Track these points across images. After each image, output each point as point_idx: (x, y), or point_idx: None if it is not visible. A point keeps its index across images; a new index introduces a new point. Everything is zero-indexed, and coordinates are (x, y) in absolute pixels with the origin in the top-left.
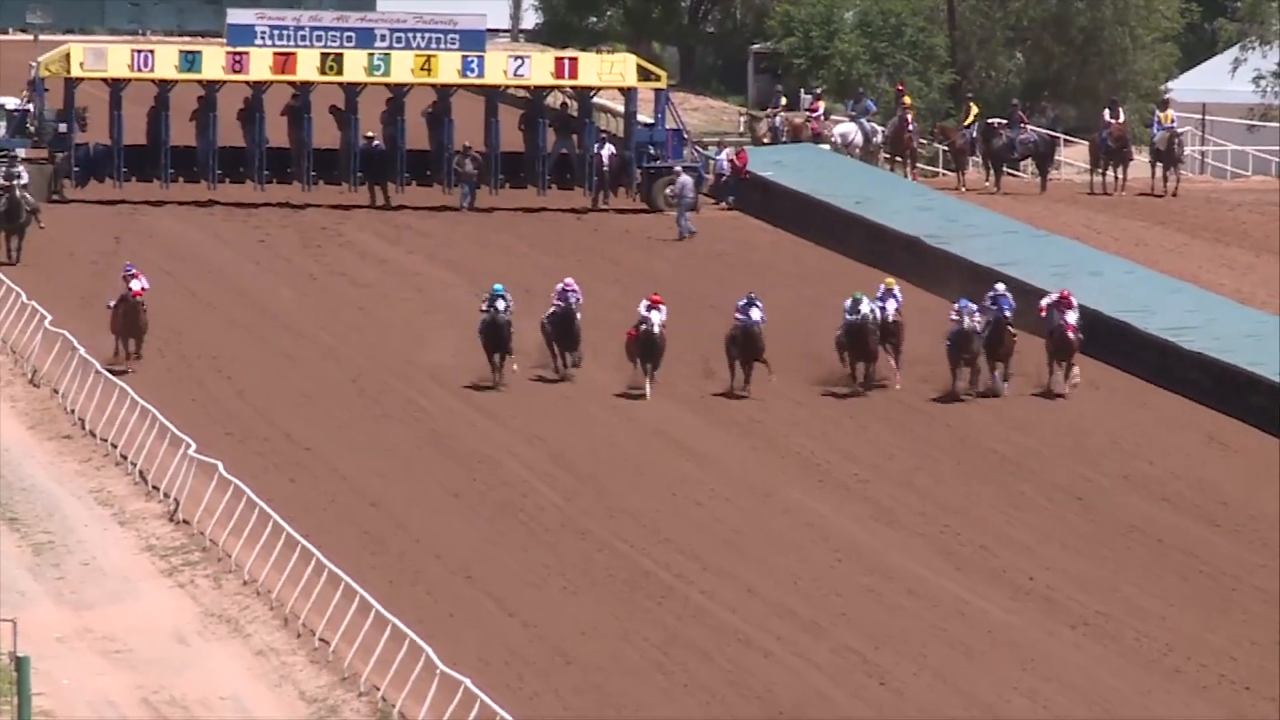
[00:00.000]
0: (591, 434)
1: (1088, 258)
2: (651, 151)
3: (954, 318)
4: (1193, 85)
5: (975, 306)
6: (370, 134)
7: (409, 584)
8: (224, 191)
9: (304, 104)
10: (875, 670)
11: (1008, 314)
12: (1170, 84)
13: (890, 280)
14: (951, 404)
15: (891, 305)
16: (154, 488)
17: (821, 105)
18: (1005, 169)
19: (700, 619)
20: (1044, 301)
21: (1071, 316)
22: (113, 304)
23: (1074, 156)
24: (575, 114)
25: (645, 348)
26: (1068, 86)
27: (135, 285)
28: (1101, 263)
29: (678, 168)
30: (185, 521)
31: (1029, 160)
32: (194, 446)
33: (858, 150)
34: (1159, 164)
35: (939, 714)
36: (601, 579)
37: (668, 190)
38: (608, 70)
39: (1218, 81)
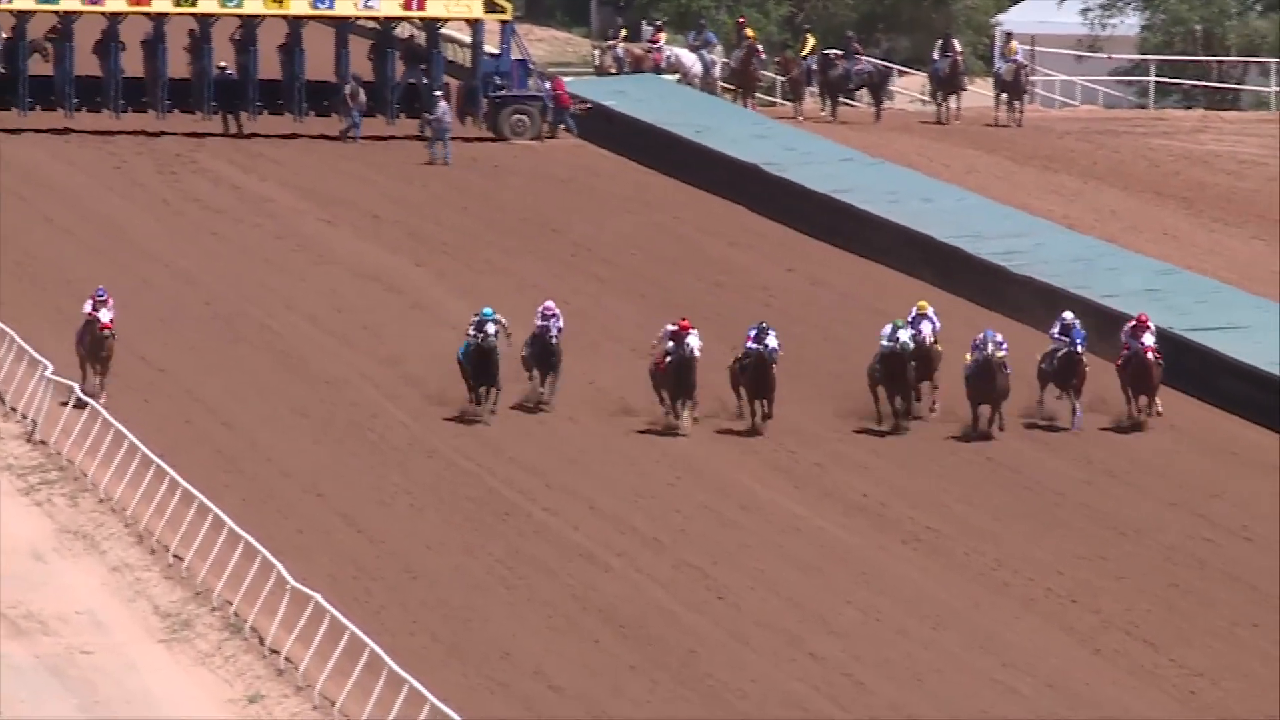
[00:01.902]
0: (438, 354)
1: (920, 184)
2: (498, 82)
3: (976, 346)
4: (1022, 17)
5: (1001, 337)
6: (223, 64)
7: (261, 502)
8: (81, 120)
9: (158, 35)
10: (713, 585)
11: (1080, 346)
12: (1000, 16)
13: (924, 304)
14: (785, 326)
15: (926, 328)
16: (12, 409)
17: (663, 37)
18: (841, 99)
19: (543, 535)
20: (1123, 334)
21: (1149, 339)
22: (78, 330)
23: (907, 87)
24: (423, 45)
25: (678, 379)
26: (902, 19)
27: (104, 315)
28: (933, 189)
29: (436, 93)
30: (43, 442)
31: (864, 90)
32: (51, 368)
33: (697, 80)
34: (1004, 95)
35: (774, 625)
36: (448, 497)
37: (426, 115)
38: (455, 2)
39: (1046, 13)
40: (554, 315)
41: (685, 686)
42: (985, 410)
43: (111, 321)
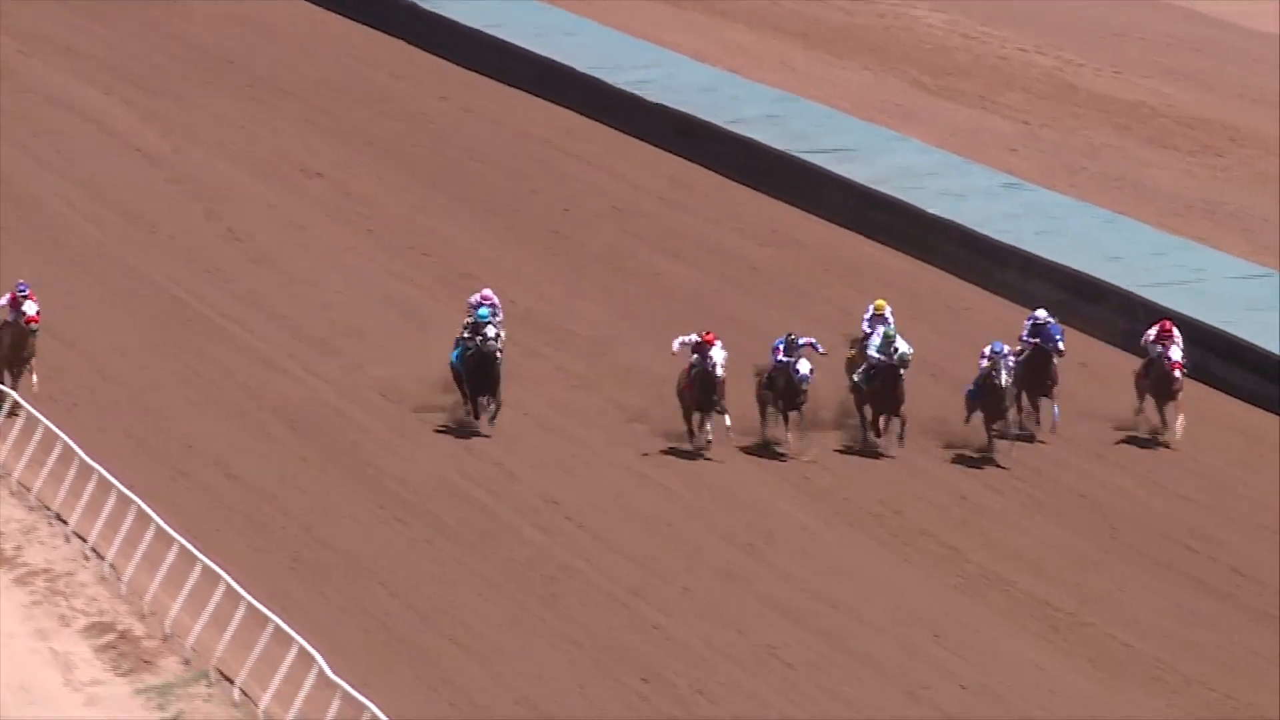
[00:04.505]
0: (131, 175)
1: (564, 20)
2: None
3: (984, 361)
4: None
5: (1010, 352)
6: None
7: None
8: None
9: None
10: (378, 384)
11: (1059, 344)
12: None
13: (881, 303)
14: (438, 148)
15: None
16: None
17: None
18: None
19: (223, 340)
20: (1145, 341)
21: (1176, 353)
22: None
23: None
24: None
25: (703, 395)
26: None
27: (30, 309)
28: (576, 24)
29: None
30: None
31: None
32: None
33: None
34: None
35: (434, 420)
36: (136, 305)
37: None
38: None
39: None
40: (490, 304)
41: (350, 475)
42: (996, 426)
43: (38, 314)
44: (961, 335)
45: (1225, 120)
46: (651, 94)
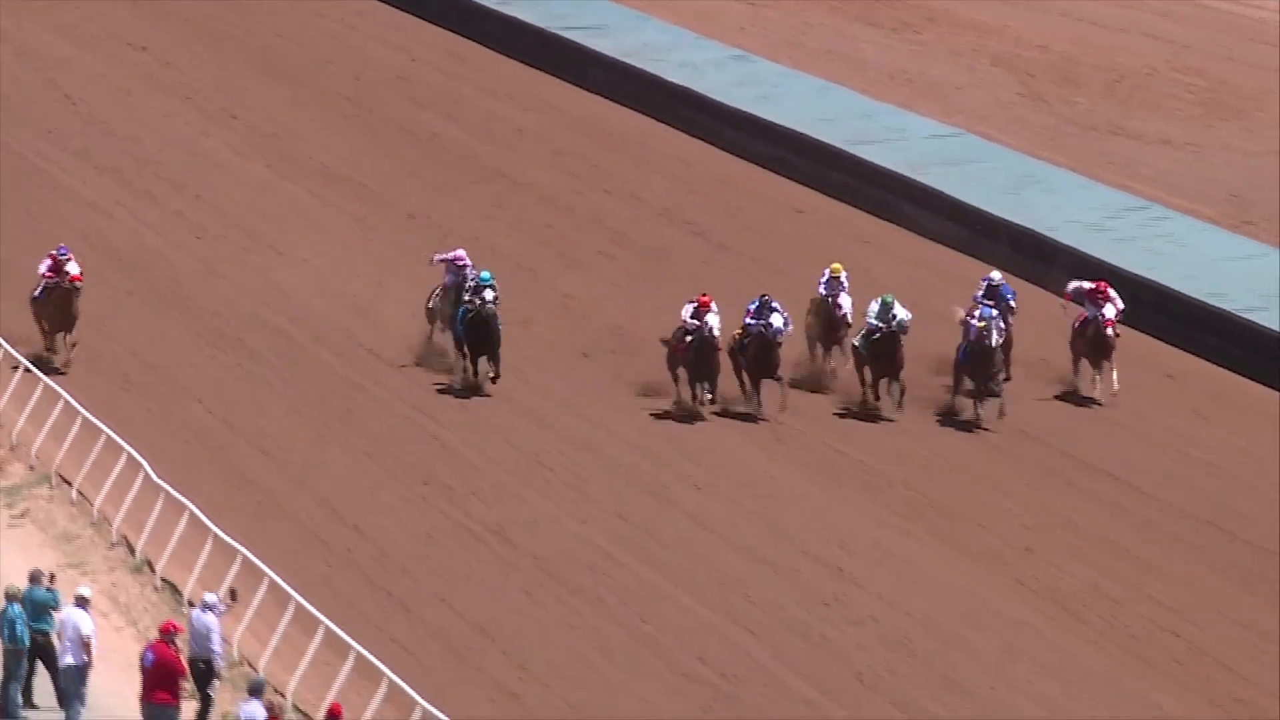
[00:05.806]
0: None
1: None
2: None
3: (975, 324)
4: None
5: (997, 313)
6: None
7: None
8: None
9: None
10: (194, 226)
11: (1010, 302)
12: None
13: (837, 266)
14: (236, 21)
15: (846, 301)
16: None
17: None
18: None
19: (62, 193)
20: (1070, 287)
21: (1110, 311)
22: (38, 291)
23: None
24: None
25: (699, 361)
26: None
27: (73, 269)
28: None
29: None
30: None
31: None
32: None
33: None
34: None
35: (244, 261)
36: (7, 178)
37: None
38: None
39: None
40: (466, 264)
41: (172, 309)
42: (980, 391)
43: (81, 274)
44: (692, 184)
45: (922, 1)
46: None
